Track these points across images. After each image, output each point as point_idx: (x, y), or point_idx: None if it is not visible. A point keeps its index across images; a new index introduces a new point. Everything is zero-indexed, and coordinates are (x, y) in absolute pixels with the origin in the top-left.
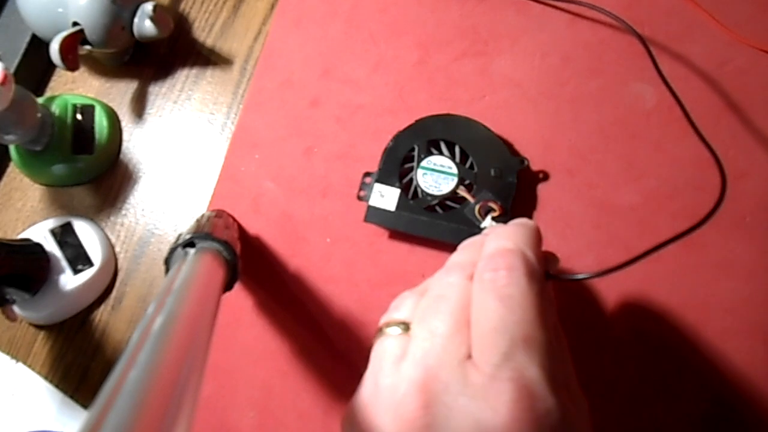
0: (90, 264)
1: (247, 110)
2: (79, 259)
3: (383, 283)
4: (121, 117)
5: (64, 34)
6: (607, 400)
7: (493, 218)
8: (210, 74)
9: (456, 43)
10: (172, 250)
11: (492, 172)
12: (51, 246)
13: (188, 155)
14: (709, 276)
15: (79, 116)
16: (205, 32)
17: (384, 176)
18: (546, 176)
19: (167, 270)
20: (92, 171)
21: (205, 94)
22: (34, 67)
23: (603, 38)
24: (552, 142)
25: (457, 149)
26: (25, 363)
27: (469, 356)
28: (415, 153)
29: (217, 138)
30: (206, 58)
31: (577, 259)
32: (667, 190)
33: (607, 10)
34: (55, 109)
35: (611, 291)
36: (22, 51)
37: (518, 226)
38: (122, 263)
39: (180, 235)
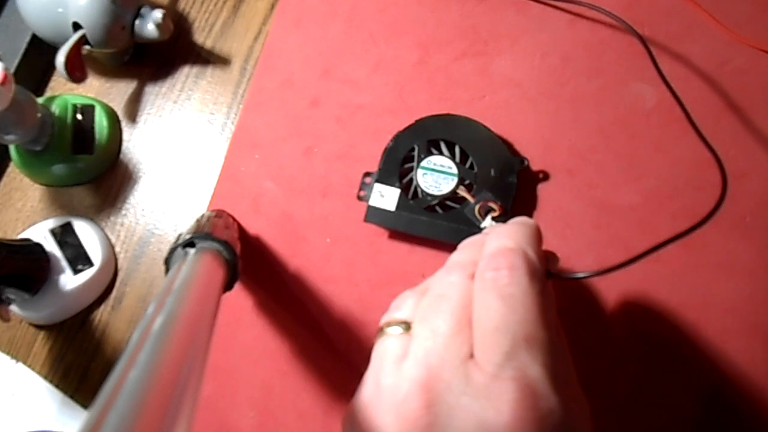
0: (90, 264)
1: (247, 110)
2: (79, 259)
3: (383, 283)
4: (121, 117)
5: (69, 45)
6: (607, 400)
7: (493, 218)
8: (210, 74)
9: (456, 43)
10: (172, 250)
11: (492, 172)
12: (51, 246)
13: (188, 155)
14: (709, 276)
15: (79, 116)
16: (205, 32)
17: (384, 176)
18: (546, 176)
19: (167, 270)
20: (92, 171)
21: (205, 94)
22: (34, 67)
23: (603, 38)
24: (552, 142)
25: (457, 149)
26: (25, 363)
27: (471, 356)
28: (415, 153)
29: (217, 138)
30: (206, 58)
31: (577, 259)
32: (667, 190)
33: (607, 10)
34: (55, 109)
35: (611, 291)
36: (22, 51)
37: (519, 225)
38: (122, 263)
39: (180, 235)
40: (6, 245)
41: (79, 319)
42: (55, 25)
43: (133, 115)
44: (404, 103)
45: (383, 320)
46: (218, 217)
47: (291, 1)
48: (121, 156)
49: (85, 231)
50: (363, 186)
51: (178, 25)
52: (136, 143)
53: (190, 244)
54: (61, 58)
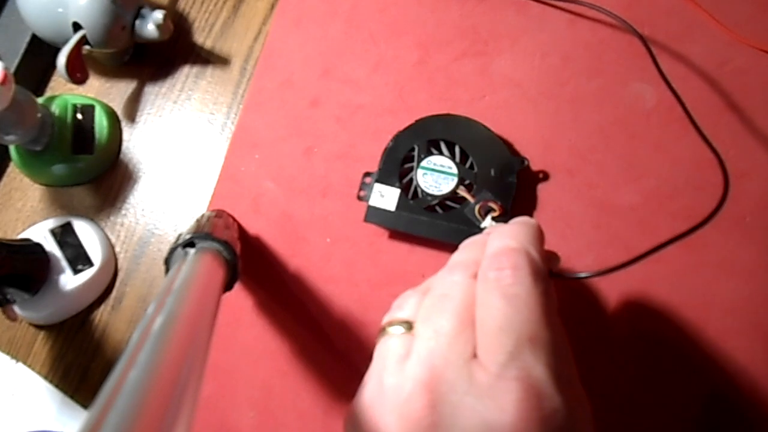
0: (90, 264)
1: (247, 110)
2: (79, 259)
3: (383, 283)
4: (121, 117)
5: (70, 46)
6: (607, 400)
7: (493, 218)
8: (210, 74)
9: (456, 43)
10: (172, 250)
11: (492, 172)
12: (51, 246)
13: (188, 155)
14: (709, 276)
15: (79, 116)
16: (205, 32)
17: (384, 176)
18: (546, 176)
19: (167, 270)
20: (92, 171)
21: (205, 94)
22: (34, 67)
23: (603, 38)
24: (552, 142)
25: (457, 149)
26: (25, 363)
27: (474, 355)
28: (415, 153)
29: (217, 138)
30: (206, 58)
31: (577, 259)
32: (667, 190)
33: (607, 10)
34: (55, 109)
35: (611, 290)
36: (22, 51)
37: (521, 224)
38: (122, 263)
39: (180, 235)
40: (6, 245)
41: (79, 319)
42: (55, 25)
43: (133, 115)
44: (404, 103)
45: (385, 320)
46: (218, 217)
47: (291, 1)
48: (121, 156)
49: (85, 231)
50: (363, 186)
51: (178, 25)
52: (136, 143)
53: (190, 244)
54: (62, 60)
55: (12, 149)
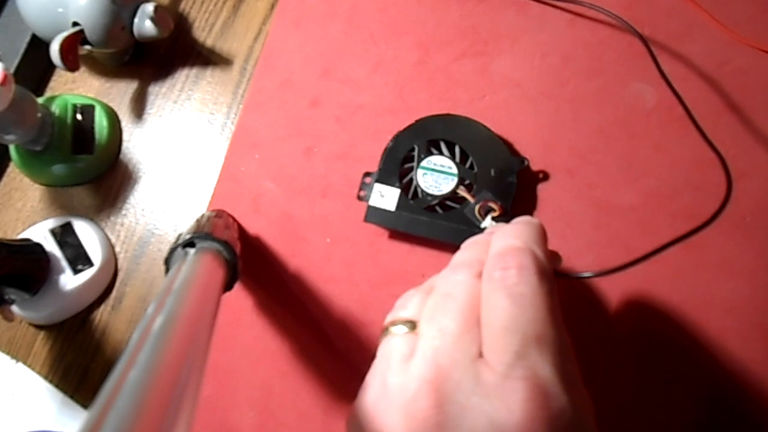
0: (90, 264)
1: (247, 110)
2: (79, 259)
3: (383, 283)
4: (121, 117)
5: (65, 34)
6: (607, 400)
7: (493, 218)
8: (210, 74)
9: (456, 43)
10: (172, 250)
11: (492, 172)
12: (51, 246)
13: (188, 155)
14: (709, 276)
15: (79, 116)
16: (205, 32)
17: (384, 176)
18: (546, 176)
19: (167, 270)
20: (92, 171)
21: (205, 94)
22: (34, 67)
23: (603, 38)
24: (552, 142)
25: (457, 149)
26: (25, 363)
27: (480, 355)
28: (415, 153)
29: (217, 138)
30: (206, 58)
31: (577, 259)
32: (667, 190)
33: (607, 10)
34: (55, 109)
35: (612, 290)
36: (22, 51)
37: (525, 224)
38: (122, 263)
39: (180, 235)
40: (6, 245)
41: (79, 319)
42: (55, 25)
43: (133, 115)
44: (404, 103)
45: (388, 319)
46: (218, 217)
47: (291, 1)
48: (121, 156)
49: (85, 231)
50: (363, 186)
51: (178, 25)
52: (136, 143)
53: (190, 244)
54: (55, 46)
55: (12, 149)
